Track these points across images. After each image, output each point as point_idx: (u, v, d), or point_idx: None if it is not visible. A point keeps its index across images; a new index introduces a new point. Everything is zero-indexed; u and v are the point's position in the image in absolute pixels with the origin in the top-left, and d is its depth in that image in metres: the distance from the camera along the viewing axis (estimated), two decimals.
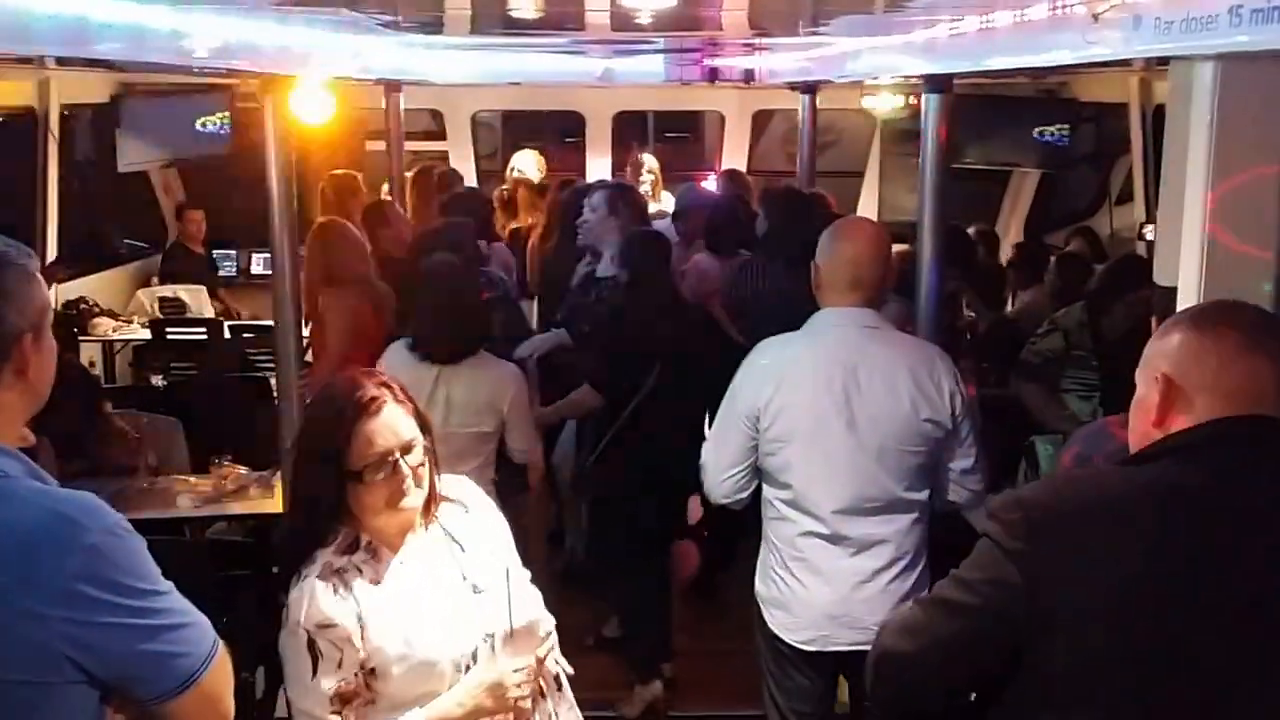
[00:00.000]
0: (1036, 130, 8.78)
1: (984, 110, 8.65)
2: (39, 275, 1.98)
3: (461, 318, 4.20)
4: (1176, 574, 1.80)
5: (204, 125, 8.68)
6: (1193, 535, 1.82)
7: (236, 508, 4.85)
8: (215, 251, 9.64)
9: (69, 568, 1.77)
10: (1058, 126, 8.76)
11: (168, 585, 1.91)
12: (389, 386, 2.44)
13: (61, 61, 7.02)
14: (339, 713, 2.35)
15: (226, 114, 8.73)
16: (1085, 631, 1.83)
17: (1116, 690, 1.82)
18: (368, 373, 2.51)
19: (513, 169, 8.30)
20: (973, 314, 6.46)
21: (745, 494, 3.41)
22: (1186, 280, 2.24)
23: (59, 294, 7.95)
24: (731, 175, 8.07)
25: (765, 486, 3.39)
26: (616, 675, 5.06)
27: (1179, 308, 2.25)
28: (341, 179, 7.18)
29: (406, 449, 2.40)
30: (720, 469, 3.39)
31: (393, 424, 2.39)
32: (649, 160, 8.73)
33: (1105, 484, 1.96)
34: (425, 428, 2.48)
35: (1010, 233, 9.72)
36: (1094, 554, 1.84)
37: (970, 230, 8.23)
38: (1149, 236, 8.12)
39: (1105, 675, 1.82)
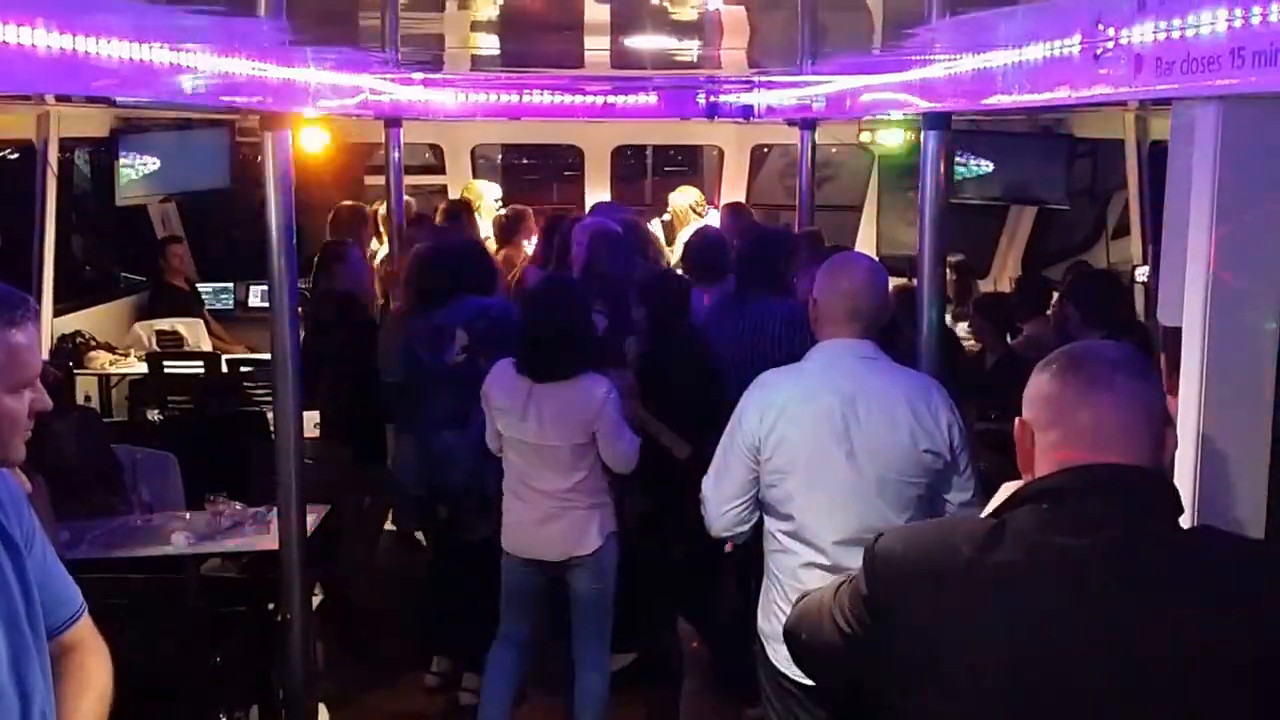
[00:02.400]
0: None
1: (981, 146, 8.68)
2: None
3: (557, 339, 4.33)
4: (1016, 625, 1.78)
5: (203, 159, 8.71)
6: (1036, 587, 1.79)
7: (231, 544, 4.77)
8: (213, 284, 9.57)
9: None
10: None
11: None
12: None
13: (61, 96, 7.04)
14: None
15: (226, 148, 8.76)
16: (930, 677, 1.83)
17: None
18: None
19: (498, 200, 8.43)
20: (980, 344, 6.48)
21: (746, 527, 3.39)
22: (1191, 320, 2.23)
23: (54, 327, 7.94)
24: (736, 209, 8.07)
25: (767, 519, 3.37)
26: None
27: (1184, 348, 2.24)
28: (352, 208, 7.50)
29: None
30: (721, 501, 3.37)
31: None
32: (674, 198, 8.70)
33: (954, 534, 1.93)
34: None
35: (1008, 266, 9.75)
36: (933, 604, 1.84)
37: (950, 260, 8.26)
38: (1141, 278, 8.15)
39: (957, 714, 1.82)
